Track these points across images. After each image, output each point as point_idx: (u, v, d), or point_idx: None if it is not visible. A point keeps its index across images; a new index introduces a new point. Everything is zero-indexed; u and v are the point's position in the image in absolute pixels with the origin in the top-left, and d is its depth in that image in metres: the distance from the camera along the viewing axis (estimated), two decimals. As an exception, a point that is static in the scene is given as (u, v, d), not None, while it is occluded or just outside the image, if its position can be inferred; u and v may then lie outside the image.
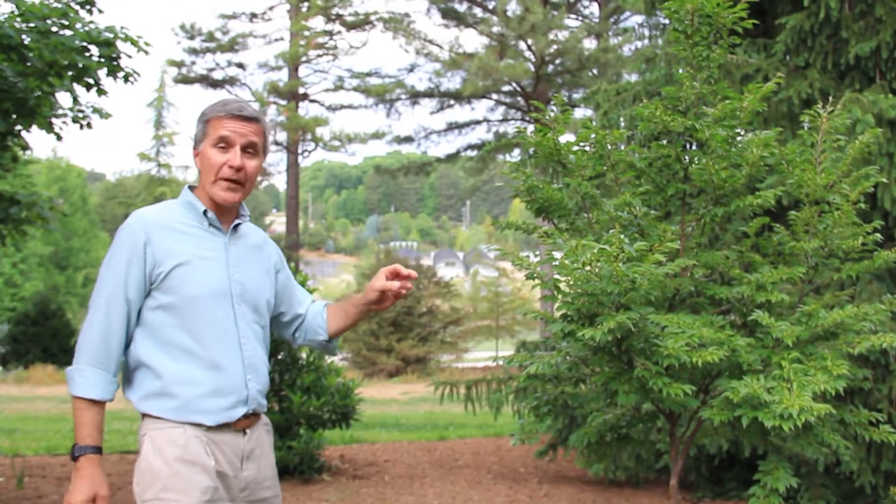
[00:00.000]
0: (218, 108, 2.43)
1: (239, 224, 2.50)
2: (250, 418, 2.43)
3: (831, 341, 3.62)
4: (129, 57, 6.74)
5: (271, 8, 28.05)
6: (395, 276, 2.52)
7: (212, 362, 2.34)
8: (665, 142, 3.80)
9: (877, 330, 3.61)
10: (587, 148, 3.77)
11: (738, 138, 3.73)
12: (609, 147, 3.77)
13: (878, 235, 3.75)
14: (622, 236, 3.05)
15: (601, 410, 4.00)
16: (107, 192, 58.28)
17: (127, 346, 2.36)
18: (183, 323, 2.32)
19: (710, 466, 6.90)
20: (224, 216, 2.46)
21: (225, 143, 2.40)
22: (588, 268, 3.09)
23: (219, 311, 2.36)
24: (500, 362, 4.00)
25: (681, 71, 3.91)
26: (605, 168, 3.80)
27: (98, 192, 59.10)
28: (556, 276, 3.36)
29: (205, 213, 2.42)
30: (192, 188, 2.49)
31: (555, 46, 23.07)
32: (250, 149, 2.43)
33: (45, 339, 24.46)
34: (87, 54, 6.50)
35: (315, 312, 2.68)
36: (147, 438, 2.32)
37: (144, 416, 2.34)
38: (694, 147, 3.83)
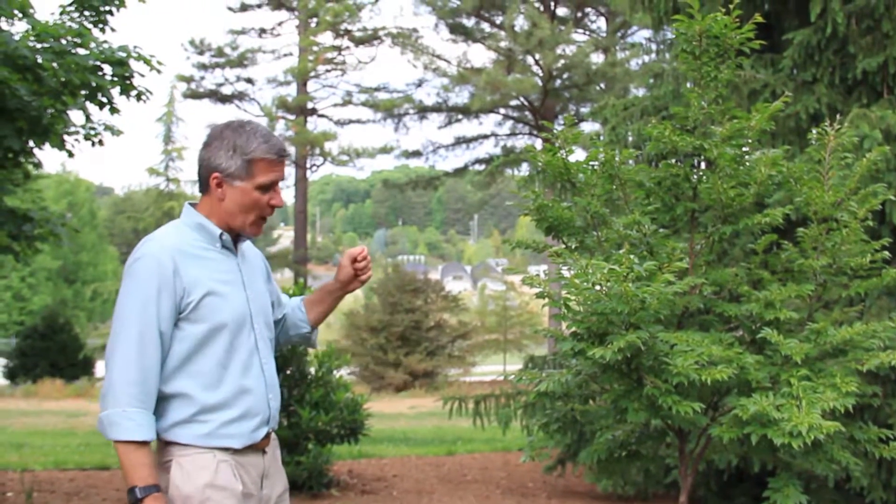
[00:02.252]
0: (262, 147, 2.36)
1: (242, 242, 2.51)
2: (269, 437, 2.45)
3: (840, 358, 3.63)
4: (142, 76, 6.80)
5: (280, 23, 28.22)
6: (353, 260, 2.59)
7: (240, 387, 2.34)
8: (673, 161, 3.83)
9: (886, 347, 3.62)
10: (596, 166, 3.80)
11: (747, 156, 3.75)
12: (618, 163, 3.80)
13: (886, 253, 3.77)
14: (631, 256, 3.07)
15: (610, 427, 4.02)
16: (115, 207, 58.47)
17: None
18: (212, 351, 2.30)
19: (720, 482, 6.87)
20: (234, 237, 2.46)
21: (271, 186, 2.40)
22: (598, 287, 3.11)
23: (243, 335, 2.37)
24: (510, 377, 4.02)
25: (689, 85, 3.94)
26: (613, 187, 3.82)
27: (106, 207, 59.29)
28: (566, 295, 3.38)
29: (220, 235, 2.40)
30: (193, 205, 2.44)
31: (562, 61, 23.14)
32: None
33: (54, 353, 24.45)
34: (101, 73, 6.57)
35: (293, 307, 2.70)
36: (175, 465, 2.29)
37: (168, 443, 2.31)
38: (702, 166, 3.86)
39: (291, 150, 26.18)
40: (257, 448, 2.40)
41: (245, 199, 2.37)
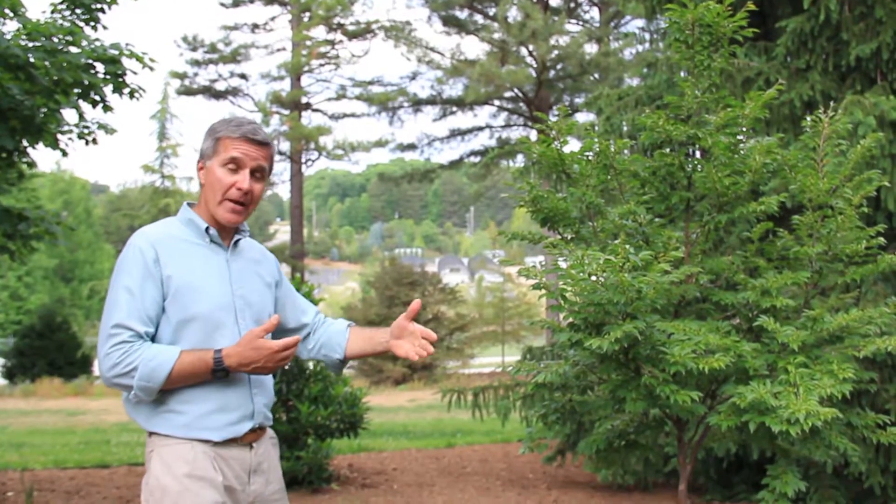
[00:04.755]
0: (231, 127, 2.44)
1: (239, 239, 2.53)
2: (256, 432, 2.46)
3: (837, 345, 3.64)
4: (135, 73, 6.79)
5: (273, 18, 28.12)
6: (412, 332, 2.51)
7: (217, 379, 2.36)
8: (668, 150, 3.83)
9: (883, 332, 3.63)
10: (590, 157, 3.80)
11: (741, 145, 3.76)
12: (612, 153, 3.80)
13: (882, 239, 3.77)
14: (627, 246, 3.08)
15: (609, 417, 4.03)
16: (111, 204, 58.32)
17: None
18: (186, 341, 2.33)
19: (719, 469, 6.90)
20: (225, 232, 2.49)
21: (235, 165, 2.42)
22: (594, 278, 3.12)
23: (223, 328, 2.39)
24: (508, 369, 4.03)
25: (683, 74, 3.95)
26: (608, 177, 3.83)
27: (102, 204, 59.13)
28: (563, 286, 3.38)
29: (206, 230, 2.44)
30: (190, 205, 2.51)
31: (556, 52, 23.10)
32: (258, 172, 2.46)
33: (52, 351, 24.44)
34: (93, 71, 6.55)
35: (338, 330, 2.68)
36: (155, 455, 2.33)
37: (151, 433, 2.36)
38: (697, 155, 3.86)
39: (285, 144, 26.13)
40: (242, 442, 2.41)
41: (211, 177, 2.43)
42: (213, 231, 2.45)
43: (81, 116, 7.03)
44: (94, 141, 7.21)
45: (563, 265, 3.36)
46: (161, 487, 2.29)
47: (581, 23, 26.45)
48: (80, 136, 7.15)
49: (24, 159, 7.17)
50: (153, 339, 2.33)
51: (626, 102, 7.68)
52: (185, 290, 2.34)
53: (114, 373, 2.26)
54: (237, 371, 2.34)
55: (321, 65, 27.54)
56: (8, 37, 6.15)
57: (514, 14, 23.02)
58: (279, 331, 2.59)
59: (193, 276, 2.37)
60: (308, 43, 26.47)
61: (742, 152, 3.73)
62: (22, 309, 38.49)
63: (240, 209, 2.44)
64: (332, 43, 27.24)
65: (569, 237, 3.87)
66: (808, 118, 3.88)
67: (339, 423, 7.43)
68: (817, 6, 6.34)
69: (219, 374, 2.32)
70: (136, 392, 2.27)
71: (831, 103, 4.18)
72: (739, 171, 3.71)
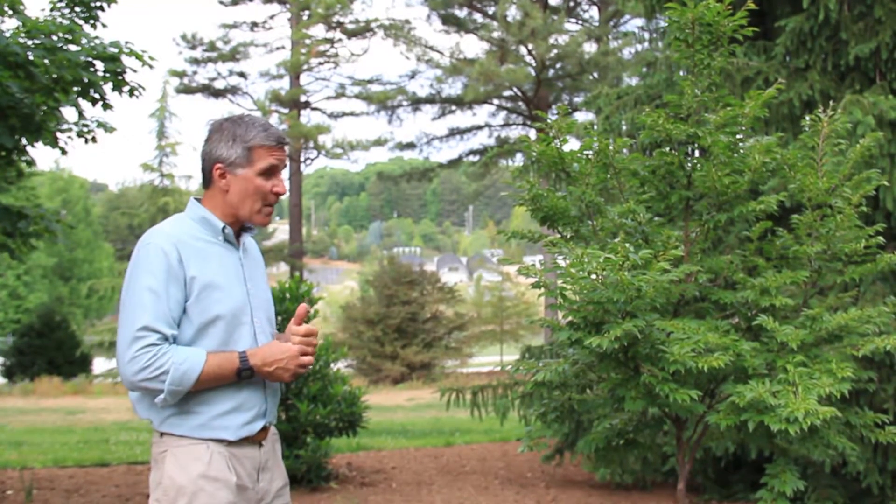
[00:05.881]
0: (261, 134, 2.42)
1: (245, 239, 2.53)
2: (266, 430, 2.47)
3: (836, 344, 3.65)
4: (135, 71, 6.78)
5: (272, 17, 28.11)
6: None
7: (234, 380, 2.36)
8: (668, 149, 3.84)
9: (881, 332, 3.63)
10: (590, 156, 3.80)
11: (741, 144, 3.76)
12: (612, 153, 3.81)
13: (881, 238, 3.78)
14: (627, 244, 3.08)
15: (608, 416, 4.03)
16: (110, 203, 58.25)
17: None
18: (207, 342, 2.33)
19: (717, 468, 6.90)
20: (235, 231, 2.48)
21: (273, 171, 2.44)
22: (594, 276, 3.12)
23: (242, 329, 2.39)
24: (507, 368, 4.04)
25: (682, 73, 3.95)
26: (608, 176, 3.83)
27: (101, 203, 59.05)
28: (562, 284, 3.38)
29: (223, 229, 2.43)
30: (198, 200, 2.49)
31: (555, 51, 23.11)
32: (283, 171, 2.50)
33: (51, 350, 24.38)
34: (93, 69, 6.54)
35: None
36: (169, 455, 2.32)
37: (163, 434, 2.35)
38: (696, 154, 3.87)
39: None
40: (253, 441, 2.42)
41: (248, 186, 2.42)
42: (229, 230, 2.44)
43: (81, 114, 7.02)
44: (94, 139, 7.20)
45: (563, 264, 3.36)
46: (176, 487, 2.29)
47: (580, 22, 26.48)
48: (80, 135, 7.13)
49: (24, 157, 7.16)
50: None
51: (626, 101, 7.68)
52: (208, 290, 2.33)
53: (141, 377, 2.22)
54: (259, 371, 2.34)
55: (320, 63, 27.55)
56: (7, 35, 6.14)
57: (513, 13, 23.03)
58: None
59: (215, 276, 2.36)
60: (307, 41, 26.46)
61: (741, 151, 3.74)
62: (21, 308, 38.44)
63: (272, 210, 2.49)
64: (331, 41, 27.23)
65: (568, 236, 3.88)
66: (808, 117, 3.89)
67: (337, 421, 7.44)
68: (816, 5, 6.34)
69: (244, 373, 2.32)
70: (166, 396, 2.24)
71: (830, 103, 4.19)
72: (739, 170, 3.71)
